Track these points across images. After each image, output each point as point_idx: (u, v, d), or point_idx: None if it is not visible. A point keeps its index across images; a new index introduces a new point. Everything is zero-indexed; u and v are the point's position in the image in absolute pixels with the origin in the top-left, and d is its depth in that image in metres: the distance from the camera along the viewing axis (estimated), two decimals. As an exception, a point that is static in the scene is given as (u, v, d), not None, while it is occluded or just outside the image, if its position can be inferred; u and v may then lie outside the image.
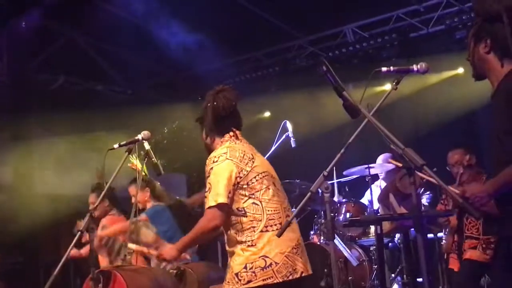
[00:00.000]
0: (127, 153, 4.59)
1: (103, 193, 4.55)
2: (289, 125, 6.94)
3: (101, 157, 4.59)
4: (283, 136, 6.91)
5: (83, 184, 7.30)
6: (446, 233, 6.22)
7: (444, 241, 6.36)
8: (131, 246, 4.88)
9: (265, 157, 6.32)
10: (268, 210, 3.76)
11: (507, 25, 3.30)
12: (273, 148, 6.83)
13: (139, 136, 4.66)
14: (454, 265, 5.85)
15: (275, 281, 3.64)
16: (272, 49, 11.04)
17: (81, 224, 6.73)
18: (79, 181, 7.32)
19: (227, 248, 3.89)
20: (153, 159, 4.73)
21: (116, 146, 4.64)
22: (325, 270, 7.30)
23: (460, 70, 9.96)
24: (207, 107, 4.01)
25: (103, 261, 6.78)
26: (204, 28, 9.64)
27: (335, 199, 8.29)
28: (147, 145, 4.72)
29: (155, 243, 5.08)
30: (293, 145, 6.91)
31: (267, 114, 11.77)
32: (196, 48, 10.40)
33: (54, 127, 9.93)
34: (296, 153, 7.29)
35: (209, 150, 4.03)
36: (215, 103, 3.97)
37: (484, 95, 8.87)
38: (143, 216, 6.41)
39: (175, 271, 5.15)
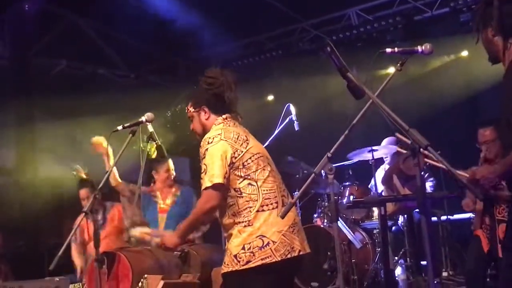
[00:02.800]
0: (130, 135, 4.58)
1: (106, 175, 4.54)
2: (292, 109, 6.93)
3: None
4: (287, 119, 6.90)
5: (85, 167, 7.29)
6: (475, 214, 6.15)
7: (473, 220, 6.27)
8: (135, 232, 4.88)
9: (269, 140, 6.38)
10: (264, 190, 3.75)
11: (496, 8, 3.31)
12: (276, 131, 6.83)
13: (143, 118, 4.65)
14: (480, 233, 5.74)
15: (273, 260, 3.62)
16: (276, 32, 11.00)
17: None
18: (81, 165, 7.31)
19: (223, 232, 3.90)
20: (156, 141, 4.72)
21: (119, 128, 4.63)
22: (328, 253, 7.33)
23: (465, 53, 9.93)
24: (208, 89, 3.99)
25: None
26: (207, 11, 9.61)
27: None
28: (150, 127, 4.72)
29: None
30: (296, 128, 6.91)
31: (270, 97, 11.75)
32: (199, 32, 10.38)
33: (56, 111, 9.92)
34: (299, 136, 7.28)
35: (203, 129, 4.03)
36: (217, 86, 3.98)
37: (488, 78, 8.90)
38: None
39: (179, 253, 5.16)
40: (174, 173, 6.45)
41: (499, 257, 5.50)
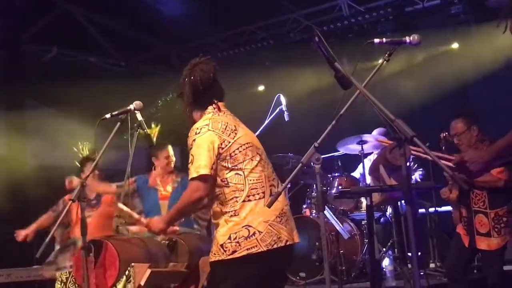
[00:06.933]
0: (119, 123, 4.57)
1: (95, 162, 4.54)
2: (282, 99, 6.93)
3: (93, 128, 4.57)
4: (277, 110, 6.90)
5: (75, 155, 7.27)
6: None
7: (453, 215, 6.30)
8: (122, 206, 4.84)
9: (259, 131, 6.37)
10: (250, 180, 3.73)
11: None
12: (266, 122, 6.83)
13: (131, 106, 4.63)
14: (461, 230, 5.78)
15: (259, 250, 3.61)
16: (267, 22, 10.98)
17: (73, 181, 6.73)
18: (71, 153, 7.29)
19: (212, 220, 3.89)
20: (145, 130, 4.72)
21: (108, 116, 4.61)
22: (317, 243, 7.36)
23: (455, 45, 9.94)
24: (185, 82, 3.99)
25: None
26: (199, 0, 9.60)
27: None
28: (139, 116, 4.69)
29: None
30: (286, 118, 6.91)
31: (261, 87, 11.74)
32: (191, 21, 10.36)
33: (47, 98, 9.90)
34: (289, 127, 7.30)
35: (193, 124, 3.97)
36: (192, 77, 3.94)
37: (477, 70, 8.90)
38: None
39: (167, 242, 5.17)
40: (174, 159, 6.44)
41: (479, 248, 5.56)
